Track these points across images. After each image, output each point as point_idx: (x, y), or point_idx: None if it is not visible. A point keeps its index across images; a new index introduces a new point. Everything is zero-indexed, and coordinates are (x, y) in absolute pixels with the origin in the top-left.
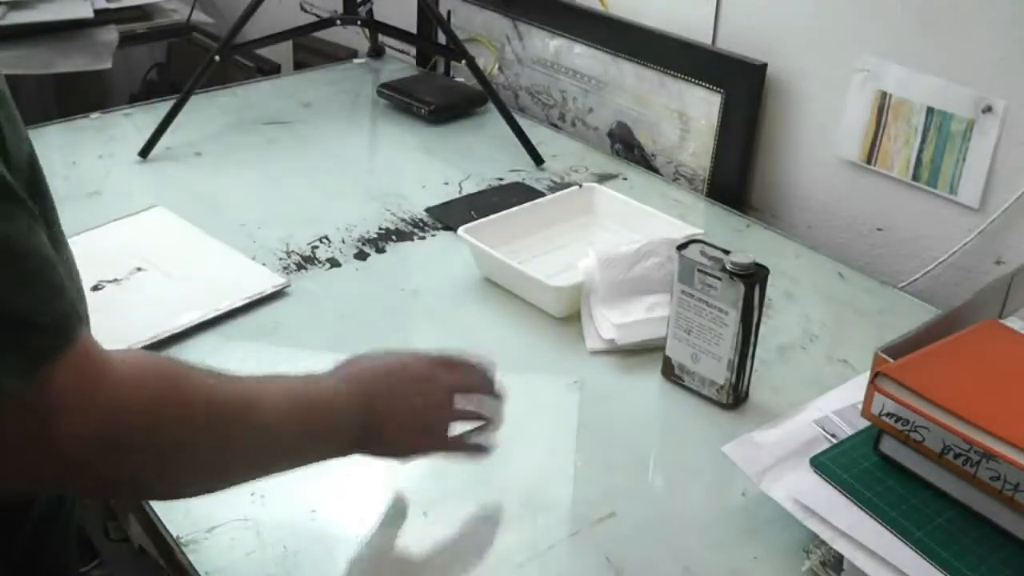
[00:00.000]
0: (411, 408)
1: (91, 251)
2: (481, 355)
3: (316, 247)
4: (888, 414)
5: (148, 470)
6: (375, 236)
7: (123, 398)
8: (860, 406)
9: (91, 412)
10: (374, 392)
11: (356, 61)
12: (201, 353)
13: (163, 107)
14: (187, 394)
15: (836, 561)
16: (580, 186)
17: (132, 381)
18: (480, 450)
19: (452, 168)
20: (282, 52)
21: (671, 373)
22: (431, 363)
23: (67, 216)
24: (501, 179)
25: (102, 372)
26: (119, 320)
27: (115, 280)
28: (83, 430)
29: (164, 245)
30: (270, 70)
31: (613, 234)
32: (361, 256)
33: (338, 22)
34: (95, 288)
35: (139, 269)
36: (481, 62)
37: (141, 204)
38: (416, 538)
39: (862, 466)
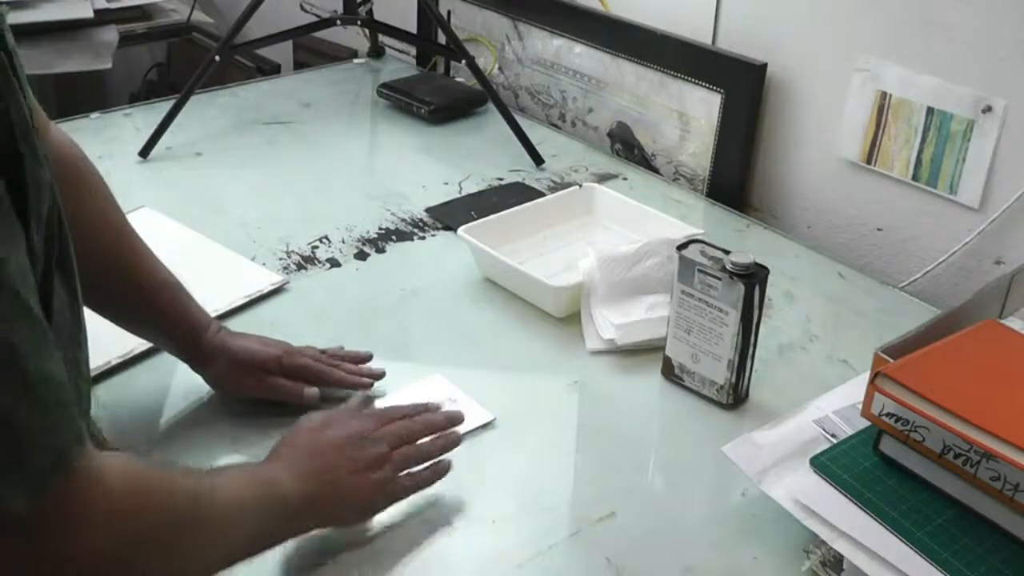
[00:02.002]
0: (356, 474)
1: None
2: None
3: (316, 247)
4: (888, 414)
5: (151, 567)
6: (375, 236)
7: (118, 513)
8: (860, 406)
9: (93, 529)
10: (312, 472)
11: (356, 61)
12: None
13: (163, 107)
14: (170, 497)
15: (836, 561)
16: (580, 186)
17: (124, 492)
18: (434, 476)
19: (452, 168)
20: (282, 52)
21: (671, 373)
22: (366, 420)
23: None
24: (501, 179)
25: (98, 489)
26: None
27: None
28: (88, 545)
29: (155, 246)
30: (270, 70)
31: (613, 234)
32: (361, 256)
33: (338, 22)
34: None
35: None
36: (481, 62)
37: (141, 204)
38: (416, 538)
39: (862, 466)
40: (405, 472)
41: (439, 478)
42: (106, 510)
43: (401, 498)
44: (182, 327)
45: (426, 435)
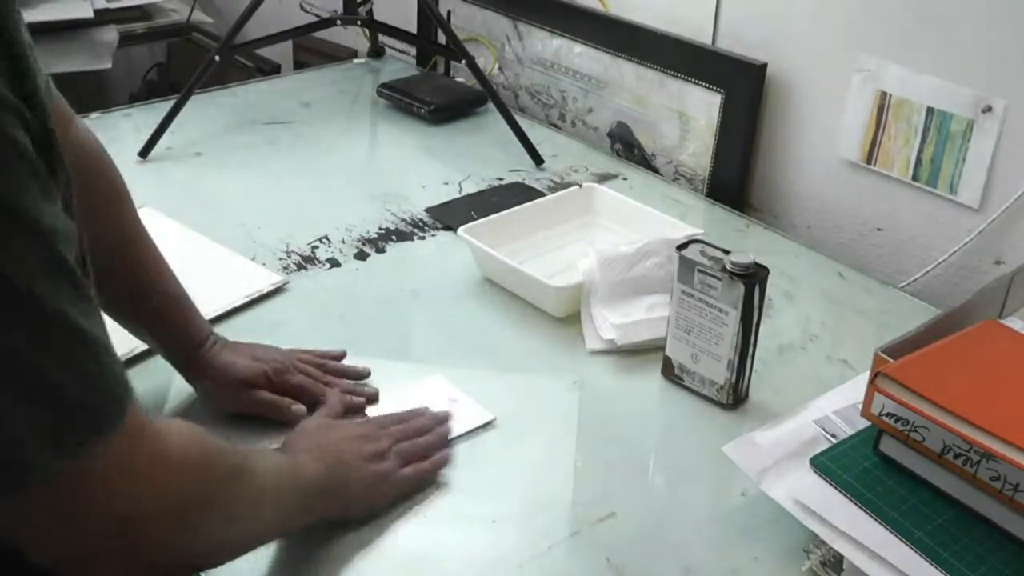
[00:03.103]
0: (362, 465)
1: None
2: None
3: (316, 247)
4: (888, 414)
5: (186, 540)
6: (375, 236)
7: (168, 475)
8: (860, 406)
9: (156, 485)
10: (328, 463)
11: (356, 61)
12: None
13: (163, 107)
14: (218, 464)
15: (836, 561)
16: (580, 186)
17: (175, 456)
18: (432, 468)
19: (452, 168)
20: (282, 52)
21: (671, 373)
22: (364, 425)
23: None
24: (501, 179)
25: (150, 448)
26: None
27: None
28: (127, 507)
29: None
30: (270, 70)
31: (613, 234)
32: (361, 256)
33: (338, 22)
34: None
35: None
36: (481, 62)
37: (141, 204)
38: (416, 538)
39: (862, 466)
40: (408, 465)
41: (438, 469)
42: (158, 468)
43: (405, 489)
44: (178, 341)
45: (420, 434)
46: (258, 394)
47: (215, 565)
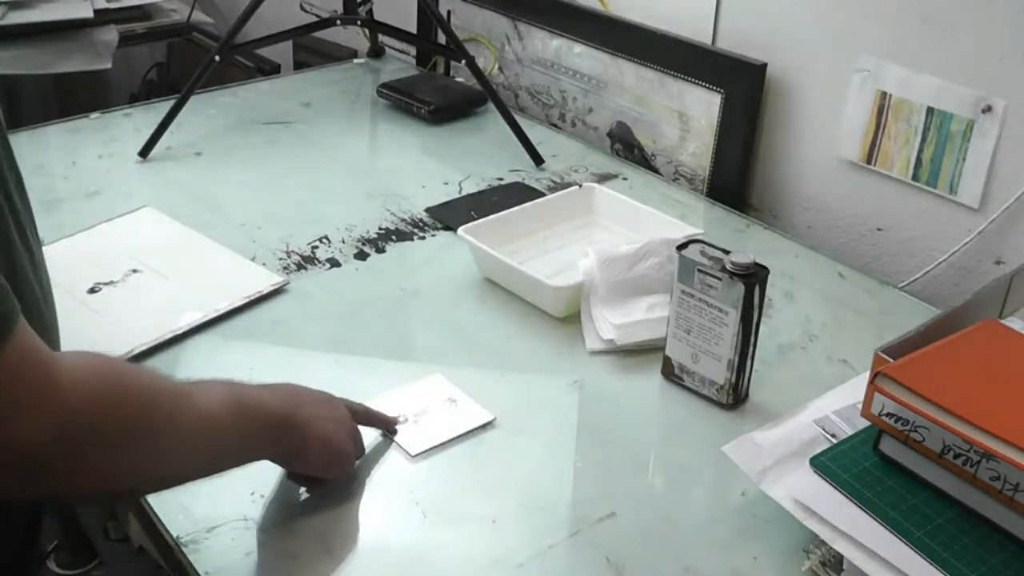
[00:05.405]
0: (325, 428)
1: (83, 253)
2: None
3: (316, 247)
4: (888, 414)
5: (103, 461)
6: (375, 236)
7: (74, 392)
8: (860, 406)
9: (42, 410)
10: (300, 402)
11: (356, 61)
12: (201, 353)
13: (163, 107)
14: (132, 387)
15: (836, 561)
16: (580, 186)
17: (81, 376)
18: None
19: (452, 168)
20: (282, 52)
21: (671, 373)
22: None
23: (67, 216)
24: (501, 179)
25: (47, 371)
26: (119, 323)
27: (111, 282)
28: (35, 429)
29: (156, 245)
30: (270, 70)
31: (613, 234)
32: (361, 256)
33: (338, 22)
34: (92, 291)
35: (134, 271)
36: (481, 62)
37: (141, 204)
38: (416, 538)
39: (862, 466)
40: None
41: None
42: (42, 394)
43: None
44: None
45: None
46: None
47: (139, 495)
